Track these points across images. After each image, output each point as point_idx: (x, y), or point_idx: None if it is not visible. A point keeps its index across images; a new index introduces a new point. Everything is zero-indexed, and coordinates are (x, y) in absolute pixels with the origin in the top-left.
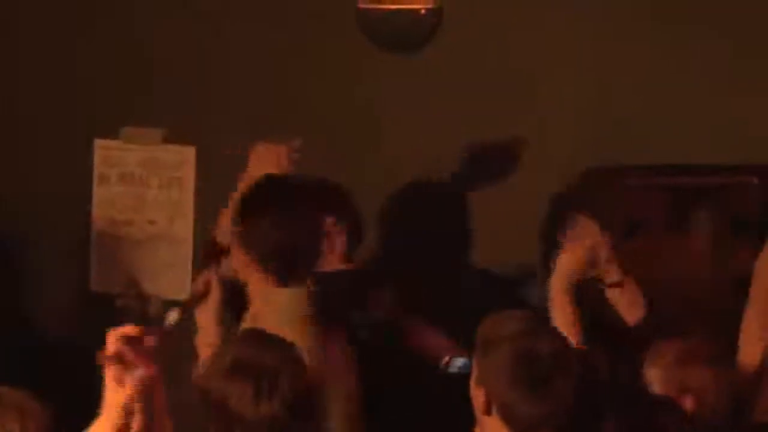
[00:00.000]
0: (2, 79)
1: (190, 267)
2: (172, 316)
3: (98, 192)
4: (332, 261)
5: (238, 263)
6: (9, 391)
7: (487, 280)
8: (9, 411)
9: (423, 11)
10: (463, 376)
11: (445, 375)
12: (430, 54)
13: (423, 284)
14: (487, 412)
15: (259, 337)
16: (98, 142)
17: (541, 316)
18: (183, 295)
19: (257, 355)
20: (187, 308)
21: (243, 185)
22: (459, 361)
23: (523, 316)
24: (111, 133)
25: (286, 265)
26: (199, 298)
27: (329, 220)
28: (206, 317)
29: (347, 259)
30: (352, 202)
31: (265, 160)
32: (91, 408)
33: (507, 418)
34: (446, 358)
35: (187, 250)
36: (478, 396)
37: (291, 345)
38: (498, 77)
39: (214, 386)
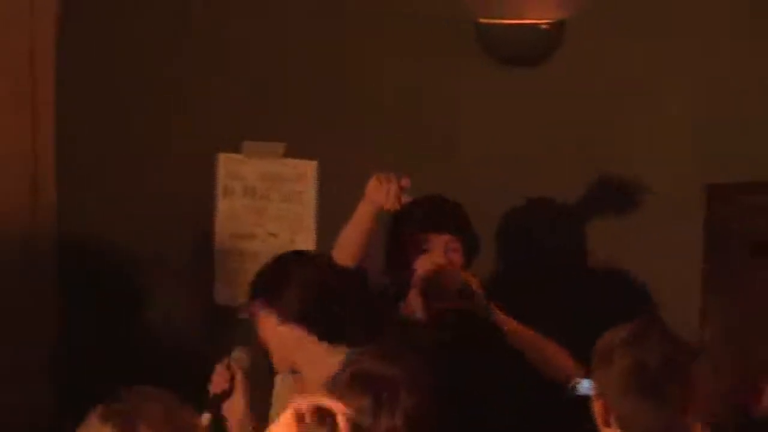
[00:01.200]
0: (129, 95)
1: None
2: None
3: (221, 206)
4: (452, 274)
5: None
6: (154, 389)
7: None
8: (156, 406)
9: (545, 26)
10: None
11: (571, 397)
12: (550, 69)
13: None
14: (607, 423)
15: (381, 351)
16: (221, 157)
17: (654, 322)
18: None
19: (378, 368)
20: (211, 408)
21: (356, 214)
22: (585, 383)
23: (636, 323)
24: (234, 148)
25: (334, 328)
26: (222, 397)
27: (446, 238)
28: (234, 411)
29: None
30: (467, 218)
31: (376, 194)
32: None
33: (625, 427)
34: (573, 381)
35: None
36: (598, 408)
37: (413, 359)
38: (618, 92)
39: (336, 398)
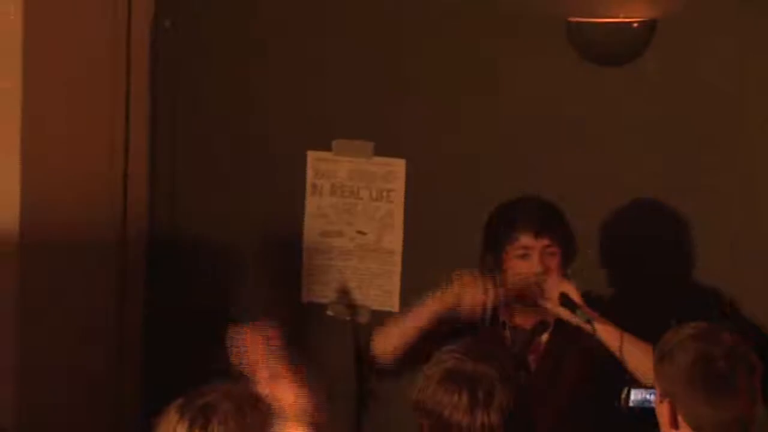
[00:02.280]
0: (222, 92)
1: (398, 278)
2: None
3: (310, 203)
4: (551, 281)
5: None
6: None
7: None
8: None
9: (636, 24)
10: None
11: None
12: (640, 67)
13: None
14: (674, 425)
15: (474, 348)
16: (311, 155)
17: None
18: (391, 306)
19: (473, 365)
20: None
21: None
22: (634, 394)
23: (698, 323)
24: (324, 146)
25: None
26: None
27: (544, 243)
28: None
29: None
30: (564, 219)
31: (468, 288)
32: None
33: (694, 424)
34: (624, 391)
35: (396, 262)
36: (662, 411)
37: (507, 358)
38: (707, 92)
39: (429, 396)
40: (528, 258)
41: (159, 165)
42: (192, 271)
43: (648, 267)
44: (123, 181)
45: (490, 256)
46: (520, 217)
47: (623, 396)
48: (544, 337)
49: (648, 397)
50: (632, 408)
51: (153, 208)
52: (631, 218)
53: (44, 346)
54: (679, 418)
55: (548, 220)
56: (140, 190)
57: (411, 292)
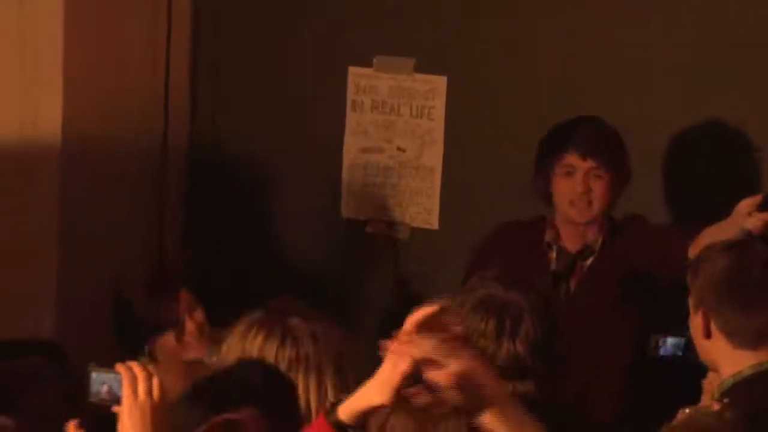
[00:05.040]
0: (263, 7)
1: (438, 196)
2: None
3: (350, 119)
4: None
5: None
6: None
7: None
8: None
9: None
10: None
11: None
12: None
13: None
14: (708, 334)
15: (510, 277)
16: (352, 70)
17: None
18: (430, 224)
19: (504, 293)
20: None
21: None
22: (670, 343)
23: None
24: (365, 62)
25: None
26: None
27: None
28: None
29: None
30: (619, 144)
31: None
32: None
33: (728, 331)
34: (656, 339)
35: (436, 179)
36: (696, 323)
37: (542, 289)
38: None
39: (461, 320)
40: (572, 176)
41: (200, 77)
42: (232, 184)
43: (713, 197)
44: (164, 92)
45: (541, 178)
46: (570, 136)
47: (654, 344)
48: (588, 261)
49: (678, 350)
50: (662, 357)
51: (194, 121)
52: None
53: (84, 257)
54: (712, 327)
55: (599, 143)
56: (182, 102)
57: (450, 210)
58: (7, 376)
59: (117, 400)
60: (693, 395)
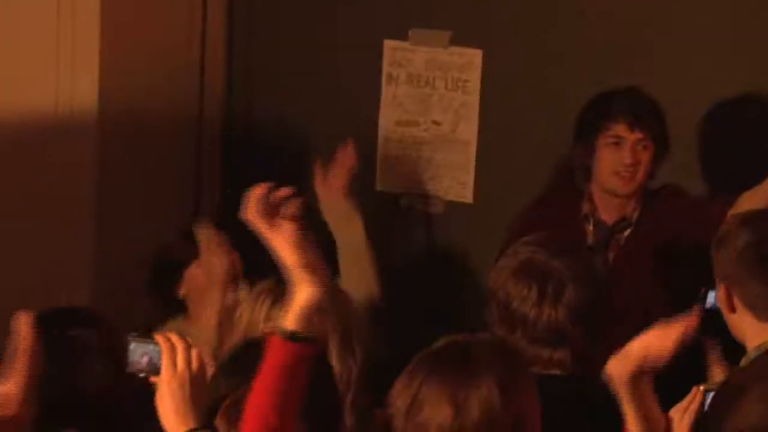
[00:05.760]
0: None
1: (473, 169)
2: None
3: (386, 93)
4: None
5: None
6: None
7: None
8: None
9: None
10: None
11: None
12: None
13: None
14: (731, 308)
15: (552, 242)
16: (387, 43)
17: None
18: (465, 197)
19: (546, 259)
20: None
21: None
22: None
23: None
24: (400, 35)
25: None
26: None
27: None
28: None
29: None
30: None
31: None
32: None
33: (751, 305)
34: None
35: (471, 153)
36: (720, 294)
37: (586, 256)
38: None
39: (500, 285)
40: (620, 147)
41: (236, 50)
42: (266, 157)
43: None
44: (200, 68)
45: (581, 145)
46: (617, 106)
47: (703, 295)
48: (625, 233)
49: None
50: (708, 309)
51: (229, 95)
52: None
53: (122, 232)
54: (736, 301)
55: (646, 114)
56: (217, 78)
57: (485, 184)
58: (64, 349)
59: (156, 371)
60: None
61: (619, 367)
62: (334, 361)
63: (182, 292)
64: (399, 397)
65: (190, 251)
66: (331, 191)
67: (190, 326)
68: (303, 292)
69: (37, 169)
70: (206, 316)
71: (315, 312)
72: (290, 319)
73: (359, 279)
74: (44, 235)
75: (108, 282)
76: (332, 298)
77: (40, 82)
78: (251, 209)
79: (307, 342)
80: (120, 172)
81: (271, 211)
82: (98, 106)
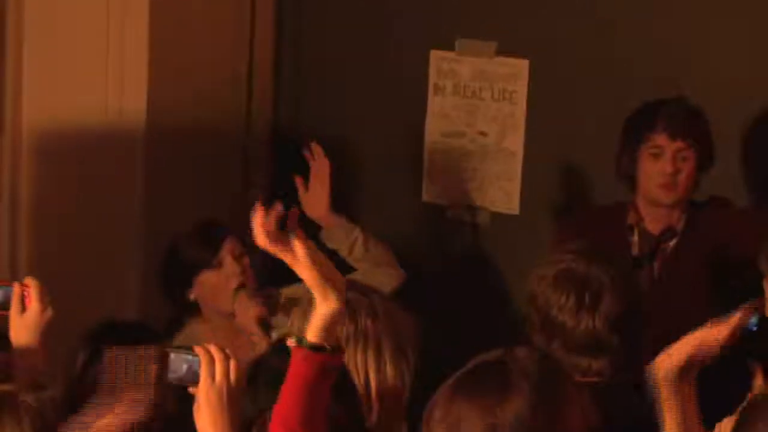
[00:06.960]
0: None
1: (519, 180)
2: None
3: (432, 103)
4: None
5: None
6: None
7: None
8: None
9: None
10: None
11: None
12: None
13: None
14: None
15: (592, 252)
16: (434, 53)
17: None
18: (511, 208)
19: (586, 268)
20: None
21: None
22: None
23: None
24: (447, 45)
25: None
26: None
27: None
28: None
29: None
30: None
31: None
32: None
33: None
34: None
35: (517, 164)
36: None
37: (624, 266)
38: None
39: (540, 293)
40: (660, 158)
41: (283, 60)
42: None
43: None
44: (248, 77)
45: (626, 156)
46: (658, 116)
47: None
48: (671, 243)
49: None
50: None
51: (277, 105)
52: None
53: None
54: None
55: (687, 123)
56: (265, 87)
57: (531, 195)
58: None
59: (194, 382)
60: None
61: (667, 361)
62: (387, 367)
63: (193, 296)
64: (435, 415)
65: (203, 255)
66: (315, 207)
67: (206, 330)
68: (322, 306)
69: (86, 179)
70: (220, 319)
71: (336, 324)
72: (312, 331)
73: (382, 279)
74: (93, 244)
75: (156, 293)
76: (382, 308)
77: (90, 92)
78: (259, 237)
79: (329, 353)
80: (168, 182)
81: (279, 234)
82: (146, 117)
